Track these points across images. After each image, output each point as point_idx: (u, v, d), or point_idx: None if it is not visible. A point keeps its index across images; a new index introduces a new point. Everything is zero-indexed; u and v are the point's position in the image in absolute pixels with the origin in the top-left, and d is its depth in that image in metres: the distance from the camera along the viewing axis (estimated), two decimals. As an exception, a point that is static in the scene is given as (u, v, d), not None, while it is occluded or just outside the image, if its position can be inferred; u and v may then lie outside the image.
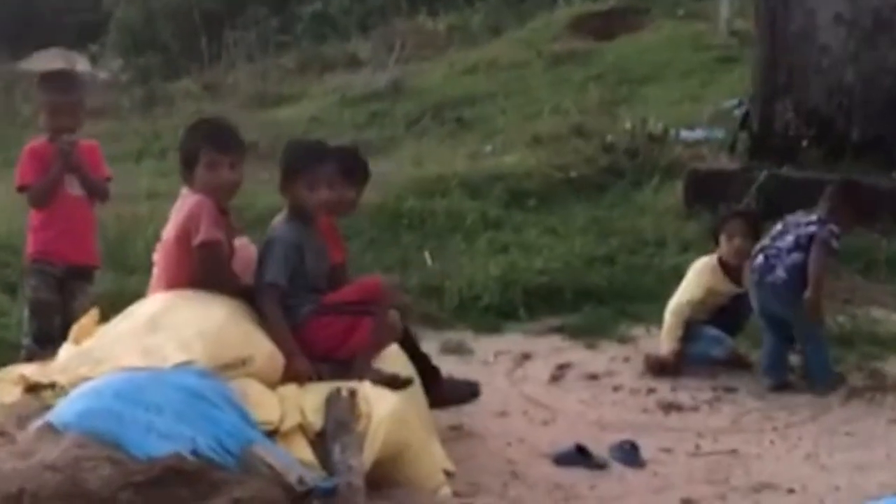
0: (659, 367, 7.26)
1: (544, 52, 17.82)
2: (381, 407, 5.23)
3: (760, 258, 7.09)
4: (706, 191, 9.90)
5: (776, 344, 7.14)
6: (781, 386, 7.04)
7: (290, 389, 5.30)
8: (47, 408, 4.79)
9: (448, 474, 5.60)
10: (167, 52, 25.80)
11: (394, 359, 5.77)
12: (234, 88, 20.74)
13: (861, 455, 6.09)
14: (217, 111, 18.70)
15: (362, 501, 4.79)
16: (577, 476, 5.85)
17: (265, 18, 24.78)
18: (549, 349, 7.81)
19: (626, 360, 7.59)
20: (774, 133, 10.31)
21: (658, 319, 7.63)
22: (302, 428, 5.13)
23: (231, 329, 5.25)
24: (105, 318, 5.58)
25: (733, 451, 6.16)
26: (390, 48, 20.00)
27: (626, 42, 17.90)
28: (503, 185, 10.88)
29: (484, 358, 7.66)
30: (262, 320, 5.45)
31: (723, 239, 7.50)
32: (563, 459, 6.00)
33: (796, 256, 6.96)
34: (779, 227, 7.15)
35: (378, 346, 5.66)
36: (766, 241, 7.16)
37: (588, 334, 8.01)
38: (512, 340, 7.99)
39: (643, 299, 8.24)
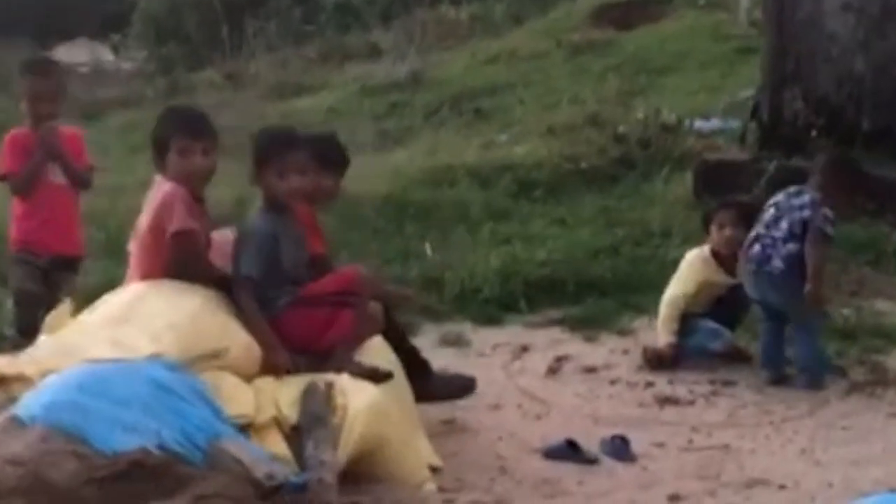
0: (656, 360, 7.16)
1: (564, 42, 17.74)
2: (358, 400, 5.13)
3: (757, 247, 6.97)
4: (716, 182, 9.75)
5: (774, 336, 7.01)
6: (780, 379, 6.92)
7: (267, 382, 5.22)
8: (14, 400, 4.71)
9: (434, 469, 5.53)
10: (191, 42, 25.83)
11: (376, 351, 5.66)
12: (255, 78, 20.73)
13: (857, 450, 5.97)
14: (237, 101, 18.77)
15: (334, 497, 4.69)
16: (565, 471, 5.74)
17: (288, 8, 24.73)
18: (548, 341, 7.71)
19: (626, 352, 7.48)
20: (784, 123, 10.14)
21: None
22: (277, 421, 5.05)
23: (205, 320, 5.16)
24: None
25: (726, 446, 6.04)
26: (411, 38, 19.93)
27: (647, 32, 17.78)
28: (512, 175, 10.78)
29: (481, 350, 7.58)
30: (240, 312, 5.37)
31: (713, 229, 7.39)
32: (553, 454, 5.91)
33: (792, 247, 6.83)
34: (772, 211, 6.98)
35: (358, 338, 5.56)
36: (760, 228, 7.01)
37: (588, 326, 7.90)
38: (511, 332, 7.90)
39: (646, 290, 8.11)
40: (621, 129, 11.58)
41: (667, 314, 7.30)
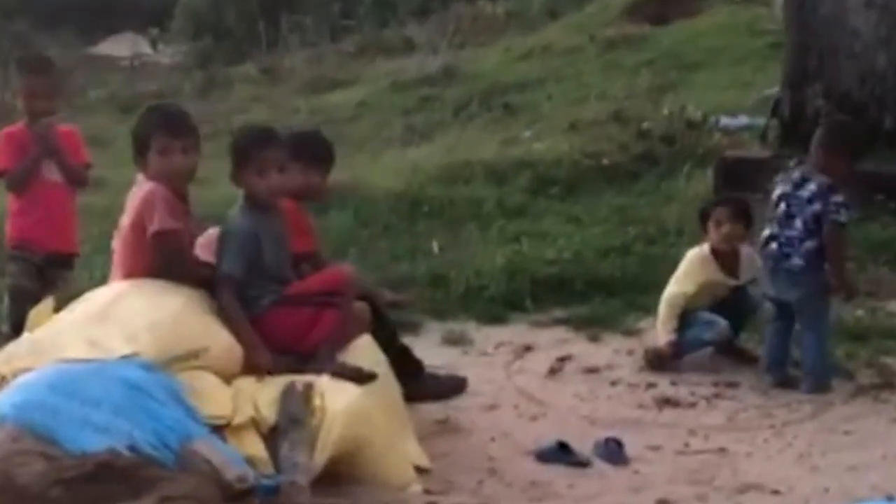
0: (657, 361, 7.05)
1: (598, 37, 17.63)
2: (337, 401, 5.06)
3: (773, 246, 6.83)
4: (736, 179, 9.62)
5: (781, 338, 6.88)
6: (783, 382, 6.79)
7: (247, 382, 5.15)
8: (-14, 399, 4.68)
9: (423, 470, 5.46)
10: (231, 37, 25.94)
11: (362, 351, 5.58)
12: (291, 73, 20.77)
13: (856, 455, 5.83)
14: (271, 95, 18.82)
15: (306, 500, 4.64)
16: (556, 473, 5.66)
17: (327, 3, 24.77)
18: (552, 341, 7.63)
19: (630, 353, 7.38)
20: (805, 120, 9.96)
21: (664, 311, 7.41)
22: (255, 422, 4.99)
23: (184, 320, 5.10)
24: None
25: (723, 450, 5.93)
26: (446, 33, 19.90)
27: (681, 27, 17.65)
28: (531, 172, 10.70)
29: (483, 349, 7.50)
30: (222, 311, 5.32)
31: (711, 227, 7.26)
32: (544, 456, 5.82)
33: (809, 244, 6.70)
34: (782, 206, 6.81)
35: (343, 338, 5.48)
36: (774, 227, 6.85)
37: (593, 326, 7.81)
38: (515, 331, 7.81)
39: (655, 290, 7.91)
40: (645, 125, 11.47)
41: (666, 313, 7.20)
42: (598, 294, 8.28)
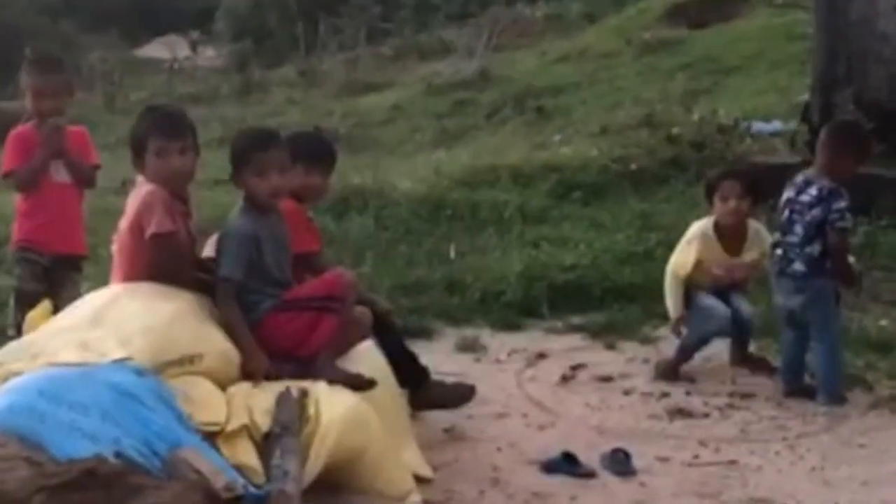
0: (670, 373, 6.93)
1: (635, 40, 17.53)
2: (333, 409, 4.96)
3: (778, 252, 6.73)
4: (763, 185, 9.46)
5: (795, 347, 6.73)
6: (797, 392, 6.64)
7: (242, 388, 5.06)
8: (-25, 403, 4.62)
9: (424, 480, 5.37)
10: (272, 40, 26.01)
11: (363, 357, 5.50)
12: (328, 76, 20.80)
13: (870, 469, 5.69)
14: (306, 98, 18.84)
15: (295, 509, 4.56)
16: (560, 485, 5.54)
17: (365, 7, 24.77)
18: (567, 348, 7.52)
19: (645, 361, 7.26)
20: (834, 126, 9.84)
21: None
22: (248, 430, 4.89)
23: (179, 325, 5.01)
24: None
25: (733, 462, 5.79)
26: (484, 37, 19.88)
27: (719, 31, 17.56)
28: (557, 176, 10.60)
29: (496, 356, 7.40)
30: (220, 315, 5.25)
31: (717, 200, 7.09)
32: (549, 467, 5.71)
33: (809, 249, 6.56)
34: (786, 213, 6.70)
35: (342, 344, 5.39)
36: (777, 234, 6.76)
37: (610, 334, 7.71)
38: (530, 338, 7.71)
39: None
40: (675, 130, 11.34)
41: (668, 284, 7.10)
42: (617, 301, 8.16)
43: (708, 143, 11.06)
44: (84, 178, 6.55)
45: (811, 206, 6.55)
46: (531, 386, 6.90)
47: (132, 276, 5.27)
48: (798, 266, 6.61)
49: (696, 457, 5.89)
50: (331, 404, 4.99)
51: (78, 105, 18.48)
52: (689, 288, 7.07)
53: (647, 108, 12.91)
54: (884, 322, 7.60)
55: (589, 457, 5.77)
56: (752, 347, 7.24)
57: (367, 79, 19.80)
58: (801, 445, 6.04)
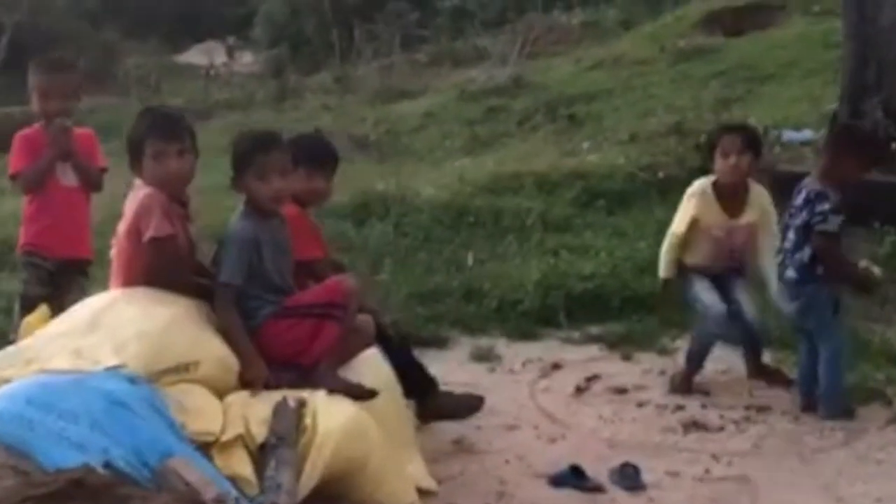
0: (684, 386, 6.80)
1: (669, 48, 17.38)
2: (331, 419, 4.85)
3: (779, 258, 6.62)
4: (788, 193, 9.31)
5: (809, 359, 6.56)
6: (812, 406, 6.49)
7: (240, 397, 4.97)
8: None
9: (428, 493, 5.29)
10: (309, 46, 26.02)
11: (366, 367, 5.40)
12: (362, 82, 20.74)
13: (885, 486, 5.56)
14: (340, 105, 18.78)
15: (287, 522, 4.47)
16: (566, 499, 5.49)
17: (402, 14, 24.73)
18: (583, 359, 7.42)
19: (662, 373, 7.14)
20: (864, 133, 9.68)
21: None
22: (244, 440, 4.80)
23: (176, 331, 4.92)
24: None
25: (744, 478, 5.68)
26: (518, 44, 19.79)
27: (755, 39, 17.37)
28: (583, 184, 10.47)
29: (511, 366, 7.31)
30: (219, 321, 5.17)
31: (717, 156, 6.91)
32: (557, 480, 5.63)
33: (799, 256, 6.43)
34: (785, 219, 6.60)
35: (344, 353, 5.29)
36: (780, 240, 6.66)
37: (627, 344, 7.59)
38: (545, 348, 7.61)
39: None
40: (703, 138, 11.17)
41: (664, 246, 7.03)
42: (636, 311, 8.03)
43: (736, 152, 10.86)
44: (91, 181, 6.49)
45: (800, 209, 6.42)
46: (544, 397, 6.81)
47: (130, 280, 5.19)
48: (790, 273, 6.49)
49: (708, 471, 5.80)
50: (329, 414, 4.89)
51: (113, 110, 18.59)
52: (688, 270, 6.94)
53: (679, 116, 12.74)
54: (901, 333, 7.44)
55: (598, 470, 5.69)
56: (769, 359, 7.08)
57: (401, 85, 19.71)
58: (816, 460, 5.93)
